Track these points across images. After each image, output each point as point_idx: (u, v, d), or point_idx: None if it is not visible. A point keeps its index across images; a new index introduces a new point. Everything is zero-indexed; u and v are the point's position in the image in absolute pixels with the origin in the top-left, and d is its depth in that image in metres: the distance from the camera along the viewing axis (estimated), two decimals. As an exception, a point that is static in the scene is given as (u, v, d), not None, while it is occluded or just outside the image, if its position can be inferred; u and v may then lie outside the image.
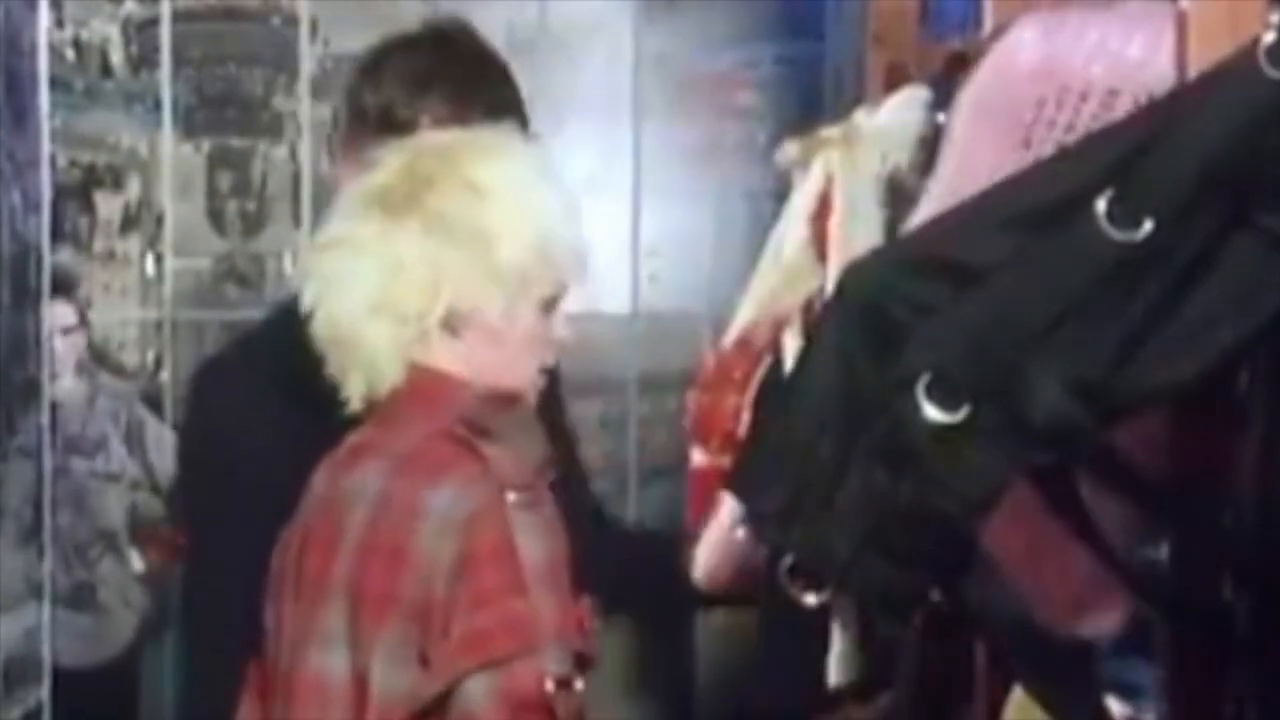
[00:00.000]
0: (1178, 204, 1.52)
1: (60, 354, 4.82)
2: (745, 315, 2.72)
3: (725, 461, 2.62)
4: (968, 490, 1.54)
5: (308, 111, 5.85)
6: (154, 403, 5.58)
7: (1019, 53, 1.90)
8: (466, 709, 1.86)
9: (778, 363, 2.58)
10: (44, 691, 3.93)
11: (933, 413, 1.53)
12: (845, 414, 1.61)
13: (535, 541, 1.91)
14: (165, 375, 5.84)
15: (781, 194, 2.84)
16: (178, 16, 5.82)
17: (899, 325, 1.59)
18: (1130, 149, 1.55)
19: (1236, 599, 1.69)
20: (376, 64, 2.34)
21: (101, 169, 5.82)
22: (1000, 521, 1.60)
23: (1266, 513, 1.65)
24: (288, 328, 2.14)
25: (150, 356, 5.86)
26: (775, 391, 2.44)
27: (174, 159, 5.84)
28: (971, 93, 1.94)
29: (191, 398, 2.43)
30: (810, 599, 1.68)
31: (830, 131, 2.58)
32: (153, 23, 5.82)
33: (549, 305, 2.06)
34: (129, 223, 5.86)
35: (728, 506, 2.32)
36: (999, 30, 2.00)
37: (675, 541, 2.51)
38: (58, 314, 4.79)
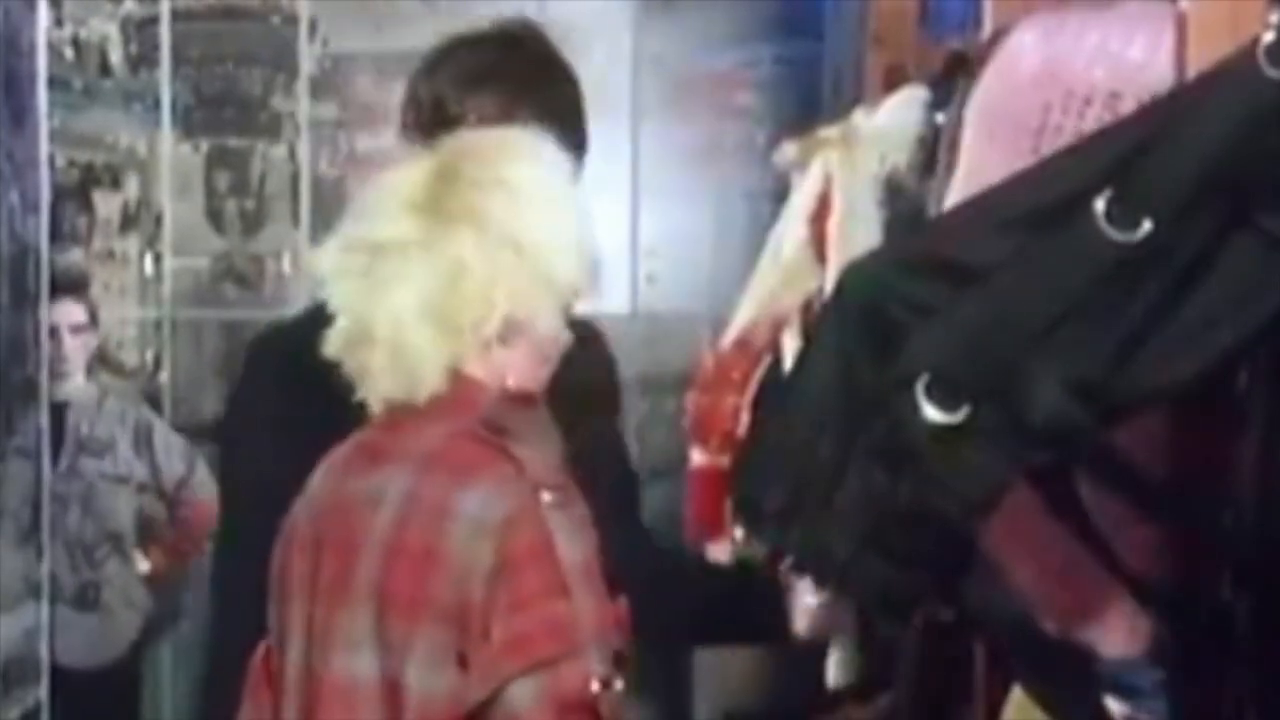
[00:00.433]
0: (1177, 204, 1.52)
1: (70, 353, 4.82)
2: (744, 316, 2.72)
3: (724, 461, 2.62)
4: (967, 491, 1.54)
5: (306, 111, 5.84)
6: (153, 402, 5.58)
7: (1021, 57, 1.90)
8: (512, 712, 1.85)
9: (777, 363, 2.58)
10: (42, 691, 3.93)
11: (932, 413, 1.53)
12: (844, 414, 1.61)
13: (572, 541, 1.90)
14: (164, 375, 5.83)
15: (780, 194, 2.84)
16: (177, 16, 5.82)
17: (898, 325, 1.59)
18: (1129, 149, 1.55)
19: (1236, 599, 1.69)
20: (438, 59, 2.33)
21: (100, 168, 5.82)
22: (1002, 524, 1.60)
23: (1266, 513, 1.65)
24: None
25: (149, 356, 5.85)
26: (774, 392, 2.44)
27: (173, 158, 5.83)
28: (977, 100, 1.94)
29: (240, 376, 2.42)
30: (809, 599, 1.68)
31: (829, 132, 2.57)
32: (152, 22, 5.81)
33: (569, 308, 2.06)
34: (128, 222, 5.86)
35: None
36: (999, 33, 2.00)
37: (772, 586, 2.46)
38: (68, 313, 4.79)
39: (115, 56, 5.82)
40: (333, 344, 2.03)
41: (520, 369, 2.01)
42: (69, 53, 5.73)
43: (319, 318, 2.40)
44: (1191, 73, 1.70)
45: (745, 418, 2.64)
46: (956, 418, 1.52)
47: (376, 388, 2.00)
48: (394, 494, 1.95)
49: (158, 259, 5.85)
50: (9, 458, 3.70)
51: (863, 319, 1.63)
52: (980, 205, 1.75)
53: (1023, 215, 1.59)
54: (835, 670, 2.51)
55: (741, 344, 2.70)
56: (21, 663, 3.81)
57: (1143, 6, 1.87)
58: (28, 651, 3.85)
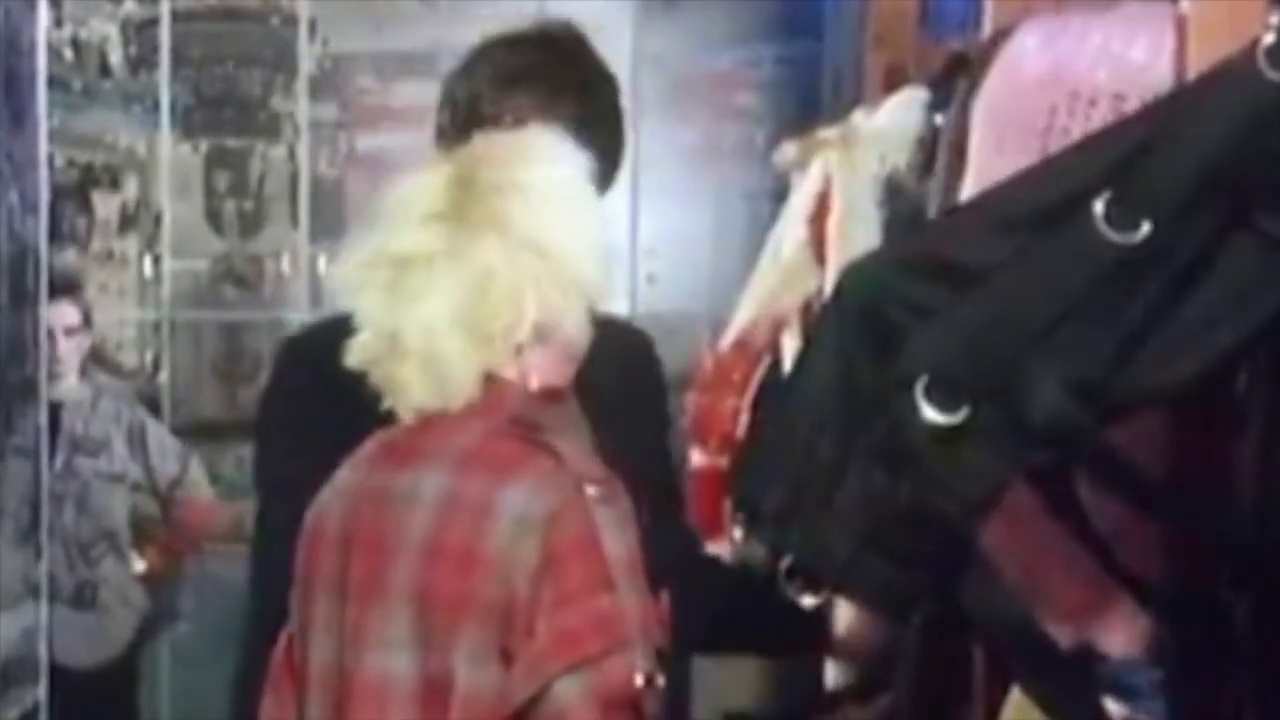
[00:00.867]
0: (1176, 205, 1.52)
1: (63, 354, 4.82)
2: (744, 316, 2.72)
3: (723, 462, 2.62)
4: (967, 491, 1.54)
5: (306, 111, 5.84)
6: (152, 403, 5.58)
7: (1024, 60, 1.90)
8: (558, 710, 1.85)
9: (776, 363, 2.58)
10: (41, 691, 3.92)
11: (932, 413, 1.53)
12: (844, 415, 1.61)
13: (617, 536, 1.89)
14: (164, 376, 5.83)
15: (780, 195, 2.84)
16: (177, 16, 5.82)
17: (897, 326, 1.59)
18: (1129, 150, 1.55)
19: (1235, 599, 1.69)
20: (475, 59, 2.32)
21: (99, 169, 5.82)
22: (1001, 524, 1.60)
23: (1265, 513, 1.65)
24: None
25: (148, 357, 5.86)
26: (774, 392, 2.44)
27: (172, 159, 5.83)
28: (982, 104, 1.94)
29: (274, 372, 2.42)
30: (808, 599, 1.68)
31: (829, 132, 2.58)
32: (152, 23, 5.81)
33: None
34: (127, 223, 5.86)
35: None
36: (999, 35, 2.00)
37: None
38: (61, 315, 4.78)
39: (115, 57, 5.82)
40: (356, 356, 2.02)
41: (546, 369, 2.00)
42: (69, 53, 5.73)
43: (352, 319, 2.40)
44: (1192, 74, 1.70)
45: (745, 418, 2.64)
46: (956, 418, 1.52)
47: (408, 398, 1.99)
48: (430, 493, 1.94)
49: (157, 260, 5.85)
50: (8, 457, 3.70)
51: (862, 320, 1.63)
52: (980, 206, 1.75)
53: (1022, 216, 1.59)
54: (835, 671, 2.51)
55: (741, 345, 2.71)
56: (20, 663, 3.80)
57: (1143, 8, 1.87)
58: (26, 651, 3.85)
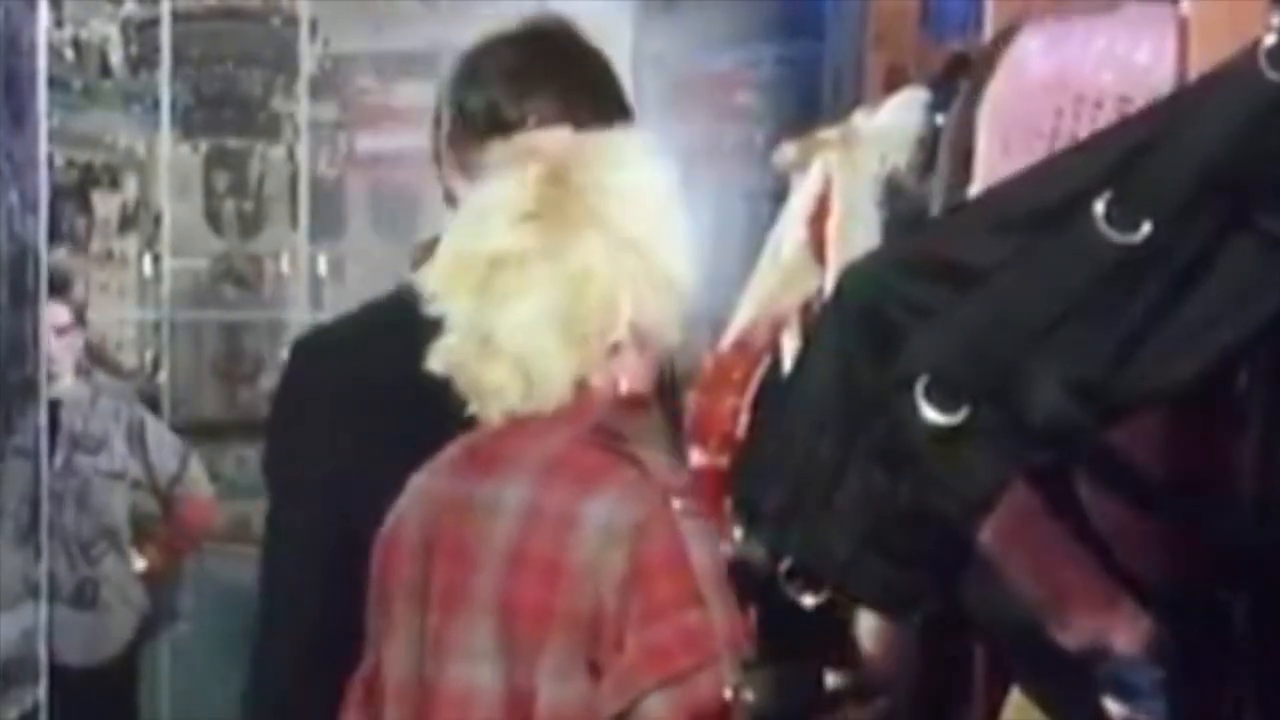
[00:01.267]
0: (1177, 205, 1.52)
1: (56, 354, 4.81)
2: (743, 316, 2.72)
3: (723, 462, 2.62)
4: (967, 491, 1.54)
5: (306, 112, 5.85)
6: (152, 402, 5.58)
7: (1029, 63, 1.89)
8: None
9: (776, 364, 2.58)
10: (41, 691, 3.92)
11: (932, 414, 1.53)
12: (844, 415, 1.61)
13: (703, 549, 1.87)
14: (163, 375, 5.84)
15: (780, 195, 2.84)
16: (177, 17, 5.82)
17: (897, 326, 1.59)
18: (1129, 150, 1.55)
19: (1235, 599, 1.69)
20: (478, 63, 2.31)
21: (99, 168, 5.83)
22: (1012, 524, 1.60)
23: (1265, 513, 1.65)
24: (385, 316, 2.19)
25: (148, 356, 5.86)
26: (774, 392, 2.44)
27: (172, 159, 5.84)
28: (988, 107, 1.93)
29: (285, 372, 2.42)
30: (809, 600, 1.68)
31: (829, 133, 2.58)
32: (152, 23, 5.82)
33: None
34: (126, 222, 5.87)
35: None
36: (1000, 38, 2.00)
37: None
38: (53, 314, 4.78)
39: (115, 57, 5.82)
40: (442, 359, 1.98)
41: (635, 373, 1.98)
42: (69, 53, 5.73)
43: (363, 319, 2.41)
44: (1193, 75, 1.70)
45: (744, 418, 2.64)
46: (956, 418, 1.52)
47: (499, 401, 1.96)
48: (513, 503, 1.91)
49: (156, 260, 5.86)
50: (8, 457, 3.70)
51: (862, 320, 1.63)
52: (979, 206, 1.75)
53: (1022, 216, 1.59)
54: (835, 671, 2.51)
55: (741, 345, 2.71)
56: (20, 663, 3.81)
57: (1144, 10, 1.87)
58: (27, 651, 3.85)
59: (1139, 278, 1.52)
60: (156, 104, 5.82)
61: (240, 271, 5.90)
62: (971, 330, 1.56)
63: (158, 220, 5.85)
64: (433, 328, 2.21)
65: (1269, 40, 1.50)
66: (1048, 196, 1.58)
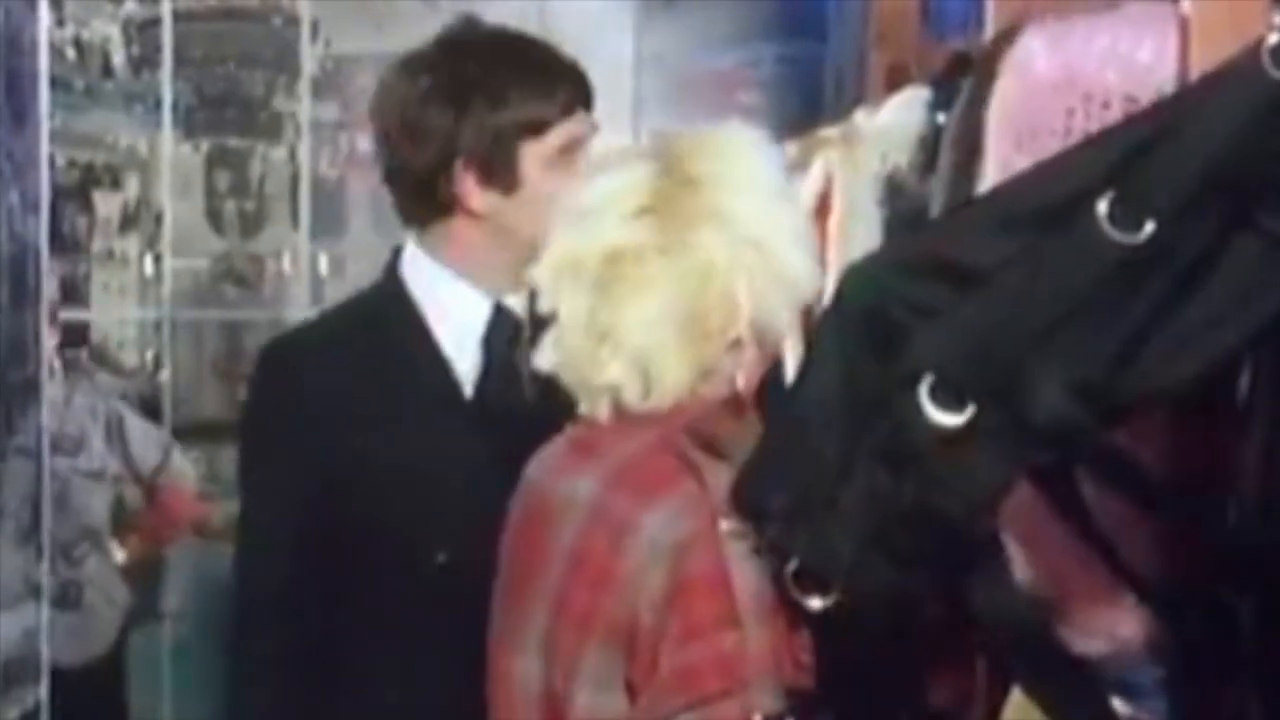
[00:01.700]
0: (1179, 205, 1.52)
1: None
2: (745, 316, 2.71)
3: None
4: (970, 491, 1.54)
5: (308, 112, 5.85)
6: (153, 402, 5.58)
7: (1034, 63, 1.89)
8: None
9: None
10: (42, 691, 3.92)
11: (935, 414, 1.53)
12: (848, 415, 1.61)
13: (748, 571, 1.83)
14: (164, 375, 5.83)
15: (781, 194, 2.83)
16: (178, 16, 5.82)
17: (899, 327, 1.59)
18: (1132, 150, 1.55)
19: (1238, 599, 1.69)
20: (471, 77, 2.30)
21: (100, 168, 5.82)
22: (1026, 524, 1.60)
23: (1268, 513, 1.64)
24: (359, 316, 2.26)
25: (149, 356, 5.85)
26: (776, 393, 2.43)
27: (173, 159, 5.84)
28: (996, 108, 1.92)
29: (256, 372, 2.43)
30: (815, 602, 1.67)
31: (830, 132, 2.57)
32: (153, 23, 5.82)
33: None
34: (127, 222, 5.86)
35: None
36: (1001, 38, 1.99)
37: None
38: None
39: (117, 57, 5.82)
40: (548, 358, 1.96)
41: (750, 371, 1.97)
42: (71, 53, 5.73)
43: (328, 322, 2.42)
44: (1193, 75, 1.70)
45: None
46: (960, 418, 1.52)
47: (615, 399, 1.93)
48: (583, 501, 1.90)
49: (157, 259, 5.85)
50: (9, 457, 3.70)
51: (864, 321, 1.63)
52: (982, 206, 1.75)
53: (1025, 216, 1.59)
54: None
55: (742, 344, 2.70)
56: (21, 663, 3.80)
57: (1146, 9, 1.87)
58: (27, 651, 3.85)
59: (1142, 277, 1.52)
60: (158, 104, 5.81)
61: (241, 271, 5.90)
62: (974, 330, 1.56)
63: (159, 220, 5.85)
64: (401, 326, 2.23)
65: (1272, 39, 1.50)
66: (1050, 196, 1.58)
